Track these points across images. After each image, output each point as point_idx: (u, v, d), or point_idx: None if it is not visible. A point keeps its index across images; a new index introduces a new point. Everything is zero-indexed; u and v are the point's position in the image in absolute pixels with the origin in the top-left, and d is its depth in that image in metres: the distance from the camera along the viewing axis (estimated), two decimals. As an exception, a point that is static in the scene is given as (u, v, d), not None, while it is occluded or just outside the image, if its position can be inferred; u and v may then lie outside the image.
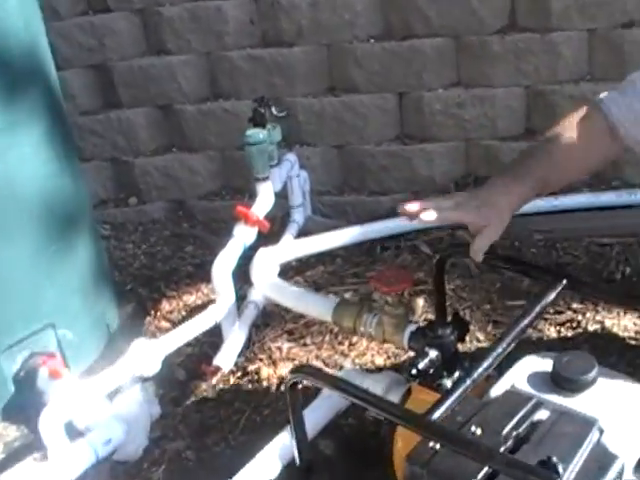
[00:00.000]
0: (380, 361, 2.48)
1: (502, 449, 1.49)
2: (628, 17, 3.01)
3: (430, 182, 3.32)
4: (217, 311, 2.33)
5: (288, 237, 2.89)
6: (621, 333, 2.54)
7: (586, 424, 1.55)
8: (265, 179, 2.66)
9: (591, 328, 2.56)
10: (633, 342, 2.52)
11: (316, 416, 1.95)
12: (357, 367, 2.33)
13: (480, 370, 1.55)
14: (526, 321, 1.67)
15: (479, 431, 1.53)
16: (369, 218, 3.28)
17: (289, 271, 2.90)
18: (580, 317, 2.62)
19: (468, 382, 1.52)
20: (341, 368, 2.46)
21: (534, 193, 1.80)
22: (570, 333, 2.56)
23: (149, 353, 2.07)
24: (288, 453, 1.88)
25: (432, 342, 1.74)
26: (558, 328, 2.59)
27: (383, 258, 3.01)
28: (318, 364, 2.49)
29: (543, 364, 1.72)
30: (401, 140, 3.31)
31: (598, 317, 2.59)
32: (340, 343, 2.57)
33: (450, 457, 1.47)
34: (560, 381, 1.64)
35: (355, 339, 2.56)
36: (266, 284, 2.29)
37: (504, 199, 1.74)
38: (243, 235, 2.45)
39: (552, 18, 3.02)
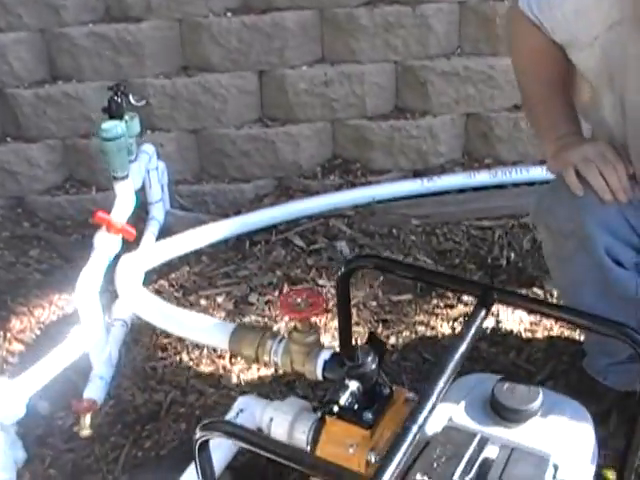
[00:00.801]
0: (266, 374, 2.25)
1: (458, 502, 1.30)
2: (501, -12, 2.88)
3: (295, 167, 3.10)
4: (85, 337, 2.01)
5: (149, 237, 2.59)
6: (517, 327, 2.41)
7: (540, 461, 1.40)
8: (124, 177, 2.34)
9: (485, 322, 2.40)
10: (529, 335, 2.40)
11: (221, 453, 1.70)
12: (254, 393, 2.08)
13: (424, 413, 1.33)
14: (464, 344, 1.47)
15: (427, 480, 1.33)
16: (231, 208, 3.05)
17: (151, 274, 2.60)
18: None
19: (414, 429, 1.30)
20: (224, 388, 2.21)
21: None
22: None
23: (10, 397, 1.74)
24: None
25: (351, 372, 1.51)
26: (452, 324, 2.45)
27: (254, 254, 2.77)
28: (199, 384, 2.22)
29: (479, 390, 1.54)
30: (263, 122, 3.06)
31: (492, 310, 2.43)
32: (220, 357, 2.32)
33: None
34: (502, 411, 1.47)
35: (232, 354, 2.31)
36: (142, 306, 1.98)
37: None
38: (106, 245, 2.14)
39: (422, -11, 2.85)
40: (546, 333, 2.40)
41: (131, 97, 2.40)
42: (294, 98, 2.98)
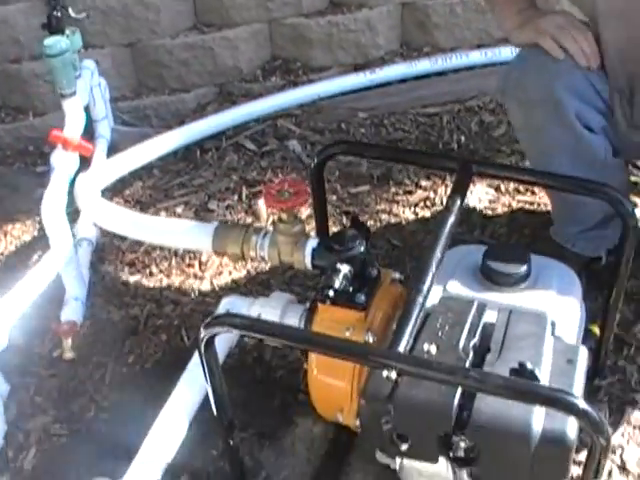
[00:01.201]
0: (240, 277, 2.25)
1: (467, 365, 1.33)
2: None
3: (236, 71, 3.05)
4: (56, 259, 1.97)
5: (100, 156, 2.53)
6: (478, 205, 2.45)
7: (539, 320, 1.45)
8: (72, 94, 2.27)
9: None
10: (490, 212, 2.44)
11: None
12: (238, 294, 2.08)
13: (427, 283, 1.35)
14: (453, 217, 1.49)
15: (434, 349, 1.37)
16: (174, 120, 3.00)
17: (105, 193, 2.54)
18: (432, 194, 2.50)
19: (419, 300, 1.32)
20: (199, 295, 2.21)
21: None
22: (427, 213, 2.43)
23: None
24: (191, 408, 1.63)
25: (341, 256, 1.52)
26: (413, 209, 2.47)
27: (206, 161, 2.74)
28: (173, 294, 2.21)
29: (469, 259, 1.57)
30: (199, 29, 3.00)
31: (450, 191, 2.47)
32: (189, 265, 2.31)
33: (415, 385, 1.30)
34: (495, 276, 1.51)
35: (204, 257, 2.31)
36: (113, 219, 1.93)
37: None
38: (65, 164, 2.09)
39: None
40: (506, 209, 2.44)
41: (71, 10, 2.31)
42: (228, 1, 2.93)
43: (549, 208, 2.26)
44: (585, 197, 1.83)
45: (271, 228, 1.65)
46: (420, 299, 1.32)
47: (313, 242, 1.60)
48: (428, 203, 2.47)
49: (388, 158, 2.14)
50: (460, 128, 2.82)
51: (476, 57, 3.11)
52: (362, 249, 1.54)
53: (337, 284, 1.51)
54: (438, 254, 1.41)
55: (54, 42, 2.21)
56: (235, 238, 1.66)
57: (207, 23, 2.99)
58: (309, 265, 1.61)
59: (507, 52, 3.13)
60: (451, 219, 1.48)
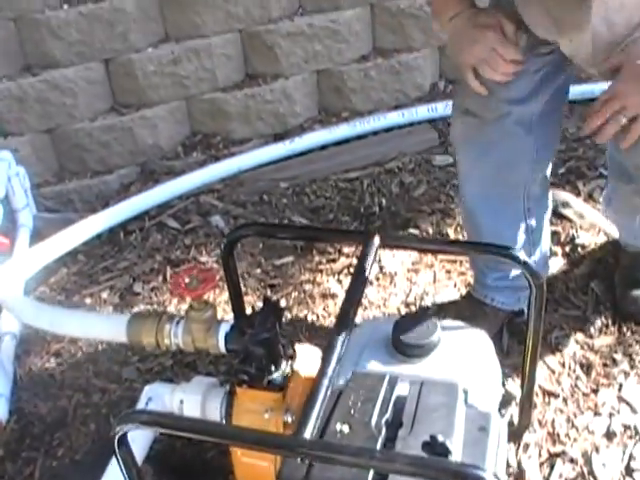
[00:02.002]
0: (165, 360, 2.24)
1: (379, 443, 1.34)
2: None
3: (156, 149, 3.07)
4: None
5: (22, 245, 2.52)
6: (399, 268, 2.47)
7: (450, 390, 1.45)
8: (-14, 189, 2.28)
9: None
10: (414, 275, 2.47)
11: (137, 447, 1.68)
12: (157, 380, 2.07)
13: (333, 364, 1.36)
14: (358, 292, 1.51)
15: (346, 428, 1.37)
16: (98, 202, 3.00)
17: (30, 282, 2.53)
18: (355, 261, 2.52)
19: (326, 381, 1.33)
20: (126, 381, 2.20)
21: None
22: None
23: None
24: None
25: (254, 339, 1.53)
26: (337, 277, 2.49)
27: (130, 243, 2.74)
28: (100, 382, 2.20)
29: (379, 333, 1.59)
30: (117, 111, 3.01)
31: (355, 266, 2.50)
32: (116, 351, 2.29)
33: (329, 468, 1.30)
34: (405, 348, 1.53)
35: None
36: (27, 313, 1.93)
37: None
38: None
39: (253, -47, 2.85)
40: (429, 270, 2.47)
41: (-21, 105, 2.32)
42: (144, 81, 2.95)
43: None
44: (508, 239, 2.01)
45: (183, 315, 1.65)
46: (326, 380, 1.32)
47: (225, 327, 1.61)
48: (352, 270, 2.49)
49: (297, 238, 2.17)
50: (381, 190, 2.86)
51: (394, 118, 3.17)
52: (274, 330, 1.54)
53: (252, 367, 1.52)
54: (344, 332, 1.41)
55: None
56: (149, 328, 1.65)
57: (125, 104, 3.01)
58: (223, 350, 1.61)
59: (424, 111, 3.19)
60: (357, 294, 1.50)
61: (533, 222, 2.10)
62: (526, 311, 1.60)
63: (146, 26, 2.90)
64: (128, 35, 2.87)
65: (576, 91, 3.11)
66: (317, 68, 3.15)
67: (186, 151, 3.10)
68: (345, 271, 2.49)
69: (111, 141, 2.99)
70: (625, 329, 2.22)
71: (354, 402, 1.43)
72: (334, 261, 2.54)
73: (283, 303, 2.38)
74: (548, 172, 2.11)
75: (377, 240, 1.60)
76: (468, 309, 2.23)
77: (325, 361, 1.37)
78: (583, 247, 2.48)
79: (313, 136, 3.09)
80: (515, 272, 2.12)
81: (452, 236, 2.60)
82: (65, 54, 2.83)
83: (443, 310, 2.29)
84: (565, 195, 2.63)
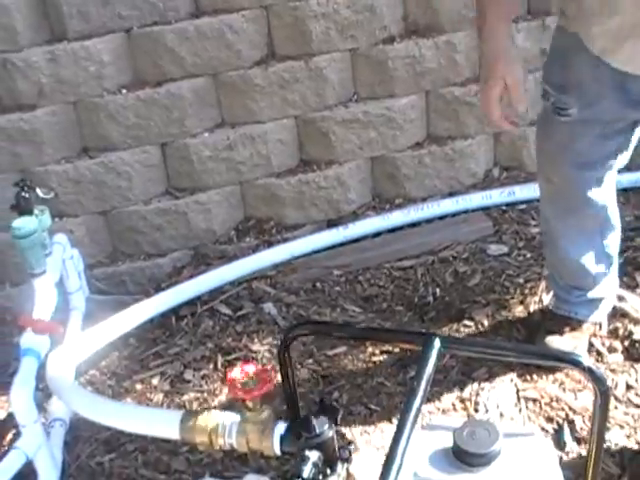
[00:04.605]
0: (216, 452, 2.19)
1: None
2: (387, 33, 2.94)
3: (210, 234, 3.07)
4: (27, 447, 1.94)
5: (75, 328, 2.52)
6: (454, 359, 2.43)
7: (513, 503, 1.39)
8: (42, 273, 2.28)
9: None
10: (469, 368, 2.42)
11: None
12: (207, 474, 2.04)
13: (393, 475, 1.32)
14: (419, 398, 1.47)
15: None
16: (150, 284, 2.99)
17: (81, 365, 2.51)
18: (409, 352, 2.48)
19: (387, 492, 1.28)
20: (175, 472, 2.16)
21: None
22: (403, 373, 2.41)
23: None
24: None
25: (310, 443, 1.49)
26: (390, 370, 2.46)
27: (181, 328, 2.72)
28: (149, 473, 2.17)
29: (439, 439, 1.54)
30: (171, 194, 3.03)
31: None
32: (166, 441, 2.25)
33: None
34: (465, 457, 1.48)
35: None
36: (77, 402, 1.91)
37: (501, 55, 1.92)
38: (34, 347, 2.07)
39: (312, 43, 2.88)
40: (485, 363, 2.42)
41: (39, 190, 2.34)
42: (200, 166, 2.96)
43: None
44: (584, 264, 2.28)
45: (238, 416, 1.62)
46: (388, 490, 1.29)
47: (281, 428, 1.57)
48: (405, 361, 2.45)
49: (351, 337, 2.15)
50: (435, 280, 2.82)
51: (448, 206, 3.15)
52: (330, 434, 1.51)
53: (305, 473, 1.47)
54: (404, 439, 1.38)
55: (22, 224, 2.23)
56: (202, 427, 1.62)
57: (179, 188, 3.03)
58: (278, 452, 1.57)
59: (478, 199, 3.17)
60: (417, 400, 1.46)
61: (607, 243, 2.31)
62: (590, 417, 1.55)
63: (202, 111, 2.93)
64: (185, 120, 2.90)
65: (632, 179, 3.09)
66: (371, 155, 3.15)
67: (239, 236, 3.10)
68: (399, 363, 2.45)
69: (165, 224, 3.00)
70: (691, 431, 2.15)
71: (414, 513, 1.38)
72: (388, 353, 2.50)
73: (335, 395, 2.35)
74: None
75: (437, 343, 1.57)
76: (556, 325, 2.39)
77: (385, 470, 1.33)
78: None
79: (366, 223, 3.07)
80: (594, 293, 2.37)
81: (506, 328, 2.55)
82: (122, 137, 2.87)
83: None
84: (620, 291, 2.58)
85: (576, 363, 1.49)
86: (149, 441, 2.26)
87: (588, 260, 2.30)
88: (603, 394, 1.48)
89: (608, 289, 2.40)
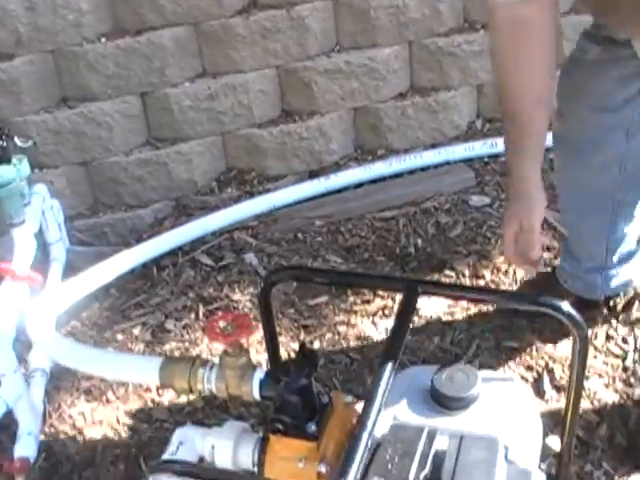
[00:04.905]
0: (197, 400, 2.21)
1: (418, 501, 1.30)
2: (370, -20, 2.91)
3: (191, 185, 3.05)
4: (7, 396, 1.94)
5: (55, 279, 2.51)
6: (435, 312, 2.44)
7: (490, 445, 1.40)
8: (21, 223, 2.27)
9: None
10: (449, 318, 2.43)
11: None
12: (188, 422, 2.04)
13: (372, 416, 1.32)
14: (399, 342, 1.47)
15: (384, 483, 1.32)
16: (131, 236, 2.98)
17: (61, 316, 2.50)
18: (390, 302, 2.49)
19: (366, 432, 1.29)
20: (156, 421, 2.17)
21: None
22: (386, 322, 2.42)
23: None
24: None
25: (289, 387, 1.49)
26: (372, 319, 2.45)
27: (163, 279, 2.72)
28: (130, 421, 2.17)
29: (418, 383, 1.55)
30: (152, 145, 3.00)
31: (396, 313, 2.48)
32: (147, 390, 2.27)
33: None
34: (444, 401, 1.48)
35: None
36: (58, 351, 1.91)
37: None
38: (13, 296, 2.06)
39: (293, -9, 2.85)
40: (464, 313, 2.43)
41: (17, 139, 2.31)
42: (180, 116, 2.94)
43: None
44: (586, 238, 2.21)
45: (217, 360, 1.62)
46: (366, 433, 1.29)
47: (260, 374, 1.57)
48: (387, 312, 2.46)
49: (335, 283, 2.15)
50: (416, 231, 2.82)
51: (430, 157, 3.14)
52: (309, 379, 1.51)
53: (286, 415, 1.48)
54: (385, 381, 1.38)
55: (0, 173, 2.20)
56: (182, 372, 1.62)
57: (160, 138, 3.00)
58: (257, 397, 1.57)
59: (461, 150, 3.16)
60: (398, 343, 1.46)
61: (616, 232, 2.17)
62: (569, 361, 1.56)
63: (183, 60, 2.89)
64: (165, 69, 2.86)
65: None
66: (354, 105, 3.13)
67: (221, 187, 3.09)
68: (380, 313, 2.46)
69: (146, 175, 2.98)
70: (667, 379, 2.17)
71: (392, 456, 1.38)
72: (369, 302, 2.51)
73: (317, 345, 2.35)
74: None
75: (417, 288, 1.57)
76: (545, 283, 2.36)
77: (364, 413, 1.33)
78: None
79: (349, 174, 3.06)
80: (588, 265, 2.25)
81: (488, 278, 2.56)
82: (102, 87, 2.83)
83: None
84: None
85: (556, 308, 1.50)
86: (131, 391, 2.27)
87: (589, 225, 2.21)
88: (582, 340, 1.48)
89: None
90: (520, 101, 1.78)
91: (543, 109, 1.80)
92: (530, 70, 1.74)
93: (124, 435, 2.14)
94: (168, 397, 2.23)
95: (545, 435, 1.92)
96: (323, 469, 1.45)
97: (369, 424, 1.30)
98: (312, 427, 1.48)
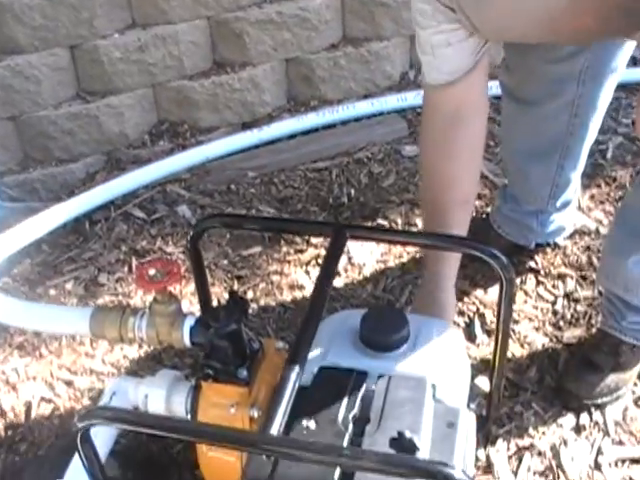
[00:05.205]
0: (131, 352, 2.21)
1: (346, 440, 1.32)
2: None
3: (123, 138, 3.01)
4: None
5: (-16, 235, 2.48)
6: (369, 259, 2.46)
7: (418, 385, 1.44)
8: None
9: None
10: (382, 265, 2.46)
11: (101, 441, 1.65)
12: (122, 373, 2.05)
13: (300, 359, 1.34)
14: (327, 285, 1.49)
15: (313, 425, 1.36)
16: (63, 191, 2.94)
17: (-9, 272, 2.49)
18: (323, 251, 2.50)
19: (293, 376, 1.31)
20: (91, 374, 2.16)
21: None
22: (318, 271, 2.43)
23: None
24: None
25: (219, 333, 1.50)
26: (305, 268, 2.47)
27: (95, 233, 2.69)
28: (65, 375, 2.17)
29: (346, 327, 1.57)
30: (82, 98, 2.95)
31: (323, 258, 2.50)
32: (81, 343, 2.26)
33: (294, 465, 1.28)
34: (373, 343, 1.51)
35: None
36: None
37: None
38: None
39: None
40: (397, 261, 2.46)
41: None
42: (110, 68, 2.89)
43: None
44: (533, 182, 2.23)
45: (148, 308, 1.62)
46: (293, 375, 1.31)
47: (190, 320, 1.58)
48: (320, 260, 2.47)
49: (265, 229, 2.16)
50: (349, 181, 2.84)
51: (363, 108, 3.14)
52: (239, 324, 1.52)
53: (217, 361, 1.49)
54: (312, 325, 1.40)
55: None
56: (112, 321, 1.62)
57: (90, 91, 2.95)
58: (188, 344, 1.58)
59: (394, 101, 3.17)
60: (323, 289, 1.48)
61: (562, 177, 2.22)
62: (497, 302, 1.59)
63: (112, 11, 2.84)
64: (94, 20, 2.80)
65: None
66: (286, 56, 3.11)
67: (153, 140, 3.05)
68: (313, 262, 2.48)
69: (76, 129, 2.93)
70: (594, 322, 2.23)
71: (321, 398, 1.41)
72: (302, 252, 2.52)
73: (250, 295, 2.36)
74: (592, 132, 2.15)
75: (346, 232, 1.59)
76: (478, 228, 2.32)
77: (292, 356, 1.35)
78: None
79: (281, 125, 3.05)
80: (528, 208, 2.31)
81: (420, 226, 2.58)
82: (29, 39, 2.77)
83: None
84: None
85: (482, 249, 1.53)
86: (64, 344, 2.26)
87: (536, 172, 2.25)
88: (508, 281, 1.52)
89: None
90: (448, 197, 1.78)
91: (468, 216, 1.82)
92: (463, 158, 1.74)
93: (58, 389, 2.13)
94: (102, 350, 2.22)
95: (474, 376, 1.98)
96: (255, 414, 1.47)
97: (296, 367, 1.31)
98: (243, 373, 1.50)
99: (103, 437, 1.67)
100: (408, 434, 1.29)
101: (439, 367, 1.50)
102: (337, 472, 1.26)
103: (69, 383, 2.15)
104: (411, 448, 1.28)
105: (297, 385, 1.30)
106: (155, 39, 2.90)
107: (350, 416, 1.37)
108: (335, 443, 1.30)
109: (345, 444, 1.31)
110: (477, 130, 1.74)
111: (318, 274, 1.51)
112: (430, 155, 1.78)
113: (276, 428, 1.22)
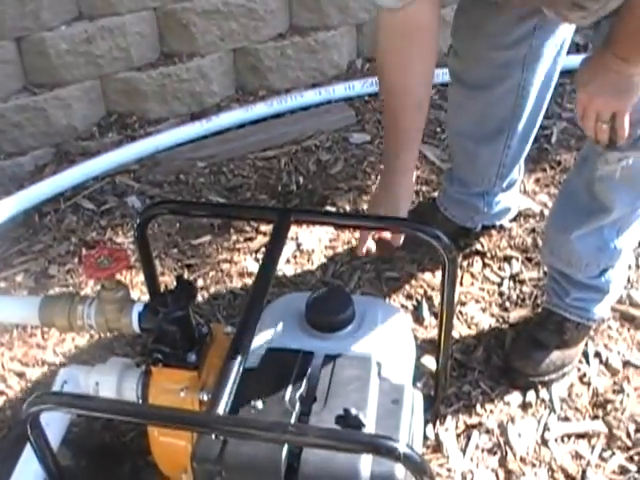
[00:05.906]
0: (82, 342, 2.22)
1: (293, 418, 1.35)
2: None
3: (71, 130, 3.00)
4: None
5: None
6: (317, 246, 2.49)
7: (363, 363, 1.47)
8: None
9: (287, 247, 2.47)
10: (331, 251, 2.49)
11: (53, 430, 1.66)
12: (73, 363, 2.05)
13: (245, 341, 1.37)
14: (271, 269, 1.52)
15: (260, 404, 1.38)
16: (12, 184, 2.92)
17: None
18: (273, 239, 2.52)
19: (238, 358, 1.33)
20: (43, 365, 2.17)
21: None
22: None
23: None
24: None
25: (167, 318, 1.52)
26: (254, 256, 2.49)
27: (45, 225, 2.68)
28: (16, 367, 2.17)
29: (292, 309, 1.60)
30: (30, 91, 2.93)
31: (290, 233, 2.51)
32: (32, 335, 2.26)
33: (243, 444, 1.31)
34: (318, 324, 1.54)
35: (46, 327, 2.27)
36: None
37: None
38: None
39: None
40: (346, 247, 2.49)
41: None
42: (57, 60, 2.88)
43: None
44: (481, 164, 2.29)
45: (96, 296, 1.64)
46: (239, 357, 1.33)
47: (139, 306, 1.60)
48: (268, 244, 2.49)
49: (211, 215, 2.17)
50: (298, 169, 2.86)
51: (311, 97, 3.17)
52: (187, 309, 1.54)
53: (164, 347, 1.52)
54: (257, 307, 1.42)
55: None
56: (61, 309, 1.63)
57: (37, 84, 2.94)
58: (137, 330, 1.60)
59: (341, 89, 3.20)
60: (270, 270, 1.50)
61: (508, 157, 2.28)
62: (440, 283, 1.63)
63: (58, 4, 2.82)
64: (40, 12, 2.79)
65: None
66: (233, 47, 3.12)
67: (101, 131, 3.05)
68: (262, 249, 2.50)
69: (24, 122, 2.92)
70: (539, 302, 2.27)
71: (268, 378, 1.43)
72: (251, 240, 2.54)
73: (200, 283, 2.38)
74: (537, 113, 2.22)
75: (290, 216, 1.61)
76: (426, 212, 2.48)
77: (237, 338, 1.38)
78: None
79: (230, 115, 3.07)
80: (475, 190, 2.36)
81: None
82: (-26, 33, 2.76)
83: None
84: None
85: (426, 231, 1.56)
86: (15, 336, 2.26)
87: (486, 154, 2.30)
88: (451, 261, 1.56)
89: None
90: (402, 102, 1.82)
91: (423, 116, 1.85)
92: (414, 70, 1.77)
93: (10, 381, 2.13)
94: (53, 341, 2.23)
95: (422, 357, 2.02)
96: (205, 397, 1.49)
97: (241, 350, 1.34)
98: (192, 357, 1.52)
99: (55, 426, 1.68)
100: (354, 411, 1.32)
101: (384, 346, 1.53)
102: (285, 450, 1.29)
103: (21, 375, 2.15)
104: (357, 424, 1.31)
105: (242, 365, 1.32)
106: (102, 31, 2.89)
107: (297, 395, 1.39)
108: (282, 421, 1.33)
109: (292, 422, 1.33)
110: (428, 47, 1.78)
111: (262, 257, 1.54)
112: (384, 68, 1.83)
113: (222, 408, 1.25)
